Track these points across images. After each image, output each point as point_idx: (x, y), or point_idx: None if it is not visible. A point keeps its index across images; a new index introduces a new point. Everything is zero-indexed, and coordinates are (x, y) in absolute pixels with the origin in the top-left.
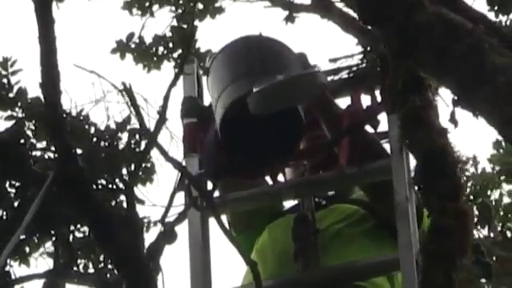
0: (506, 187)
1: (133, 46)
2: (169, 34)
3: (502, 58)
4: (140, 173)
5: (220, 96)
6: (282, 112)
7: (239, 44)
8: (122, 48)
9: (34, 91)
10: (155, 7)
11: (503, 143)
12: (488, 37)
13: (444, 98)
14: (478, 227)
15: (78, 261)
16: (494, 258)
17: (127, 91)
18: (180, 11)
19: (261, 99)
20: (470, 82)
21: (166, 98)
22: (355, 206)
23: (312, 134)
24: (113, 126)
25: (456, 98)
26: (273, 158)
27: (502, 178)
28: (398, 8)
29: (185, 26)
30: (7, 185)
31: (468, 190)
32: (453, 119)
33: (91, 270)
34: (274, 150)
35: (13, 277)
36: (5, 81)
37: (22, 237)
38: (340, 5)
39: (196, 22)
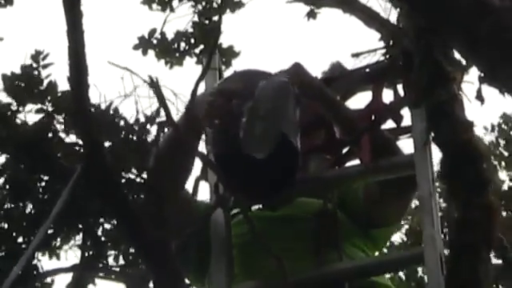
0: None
1: (155, 42)
2: (190, 29)
3: None
4: None
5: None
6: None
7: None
8: (144, 44)
9: (65, 85)
10: (175, 2)
11: None
12: None
13: (471, 75)
14: None
15: (108, 252)
16: None
17: (154, 85)
18: (200, 7)
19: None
20: (497, 59)
21: (193, 93)
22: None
23: (327, 131)
24: (142, 119)
25: (482, 74)
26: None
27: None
28: None
29: (206, 22)
30: (35, 179)
31: None
32: (479, 96)
33: (121, 262)
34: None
35: (40, 270)
36: (35, 73)
37: (51, 231)
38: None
39: (216, 17)
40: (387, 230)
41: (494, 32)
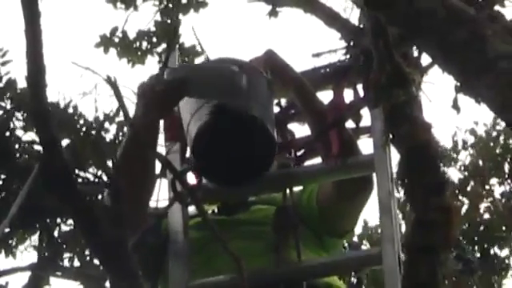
0: None
1: (116, 40)
2: (153, 28)
3: (506, 45)
4: None
5: (188, 128)
6: (253, 132)
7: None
8: (105, 42)
9: (24, 83)
10: (139, 1)
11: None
12: (491, 23)
13: (447, 83)
14: None
15: (64, 255)
16: None
17: (112, 84)
18: (163, 6)
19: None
20: (472, 68)
21: None
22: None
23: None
24: (102, 117)
25: (459, 84)
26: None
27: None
28: None
29: (169, 21)
30: None
31: None
32: (455, 105)
33: (76, 264)
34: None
35: None
36: None
37: (7, 229)
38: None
39: (179, 17)
40: (339, 242)
41: (469, 41)
